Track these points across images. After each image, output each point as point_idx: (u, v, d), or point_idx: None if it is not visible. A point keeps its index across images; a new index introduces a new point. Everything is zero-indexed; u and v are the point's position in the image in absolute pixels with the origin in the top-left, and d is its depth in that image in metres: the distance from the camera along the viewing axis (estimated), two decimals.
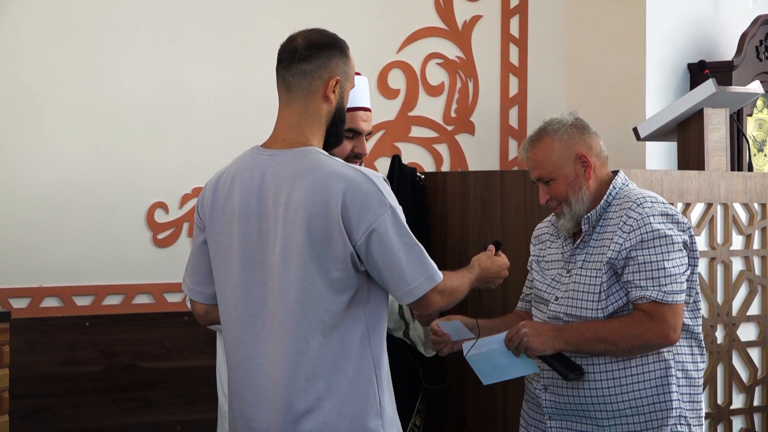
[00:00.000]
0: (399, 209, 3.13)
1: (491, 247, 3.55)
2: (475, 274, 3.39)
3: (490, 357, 3.64)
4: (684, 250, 3.62)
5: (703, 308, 4.68)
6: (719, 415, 4.72)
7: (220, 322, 3.30)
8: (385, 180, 3.15)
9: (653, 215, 3.59)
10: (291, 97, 3.23)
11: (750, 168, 5.41)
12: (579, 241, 3.72)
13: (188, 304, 3.56)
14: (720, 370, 4.75)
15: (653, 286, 3.53)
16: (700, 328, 3.72)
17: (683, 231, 3.62)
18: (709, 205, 4.69)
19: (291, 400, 3.11)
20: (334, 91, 3.22)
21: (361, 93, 3.78)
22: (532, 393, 3.80)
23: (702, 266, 4.69)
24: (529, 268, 3.96)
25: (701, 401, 3.71)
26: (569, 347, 3.58)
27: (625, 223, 3.60)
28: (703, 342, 3.74)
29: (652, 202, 3.63)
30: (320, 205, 3.07)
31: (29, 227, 4.94)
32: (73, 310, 5.05)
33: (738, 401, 4.80)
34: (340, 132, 3.29)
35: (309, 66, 3.21)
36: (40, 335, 4.94)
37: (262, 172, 3.18)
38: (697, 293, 3.70)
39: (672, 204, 3.83)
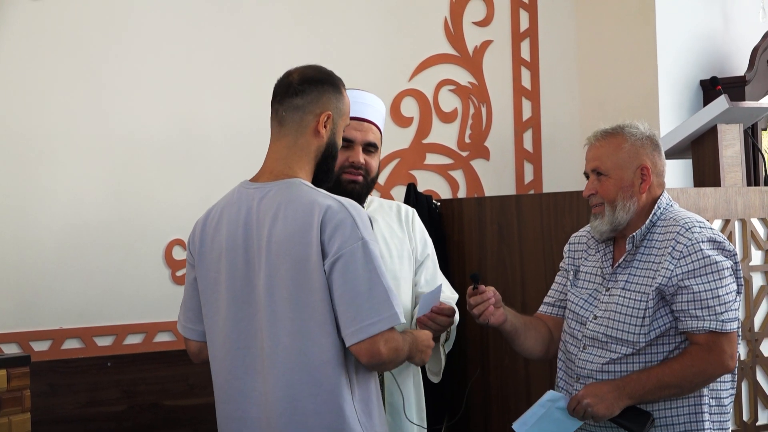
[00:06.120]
0: (373, 244, 3.10)
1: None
2: (410, 339, 3.28)
3: (541, 424, 3.58)
4: (731, 277, 3.57)
5: None
6: None
7: None
8: (368, 216, 3.13)
9: (703, 241, 3.54)
10: (282, 131, 3.26)
11: (766, 182, 5.40)
12: (621, 260, 3.67)
13: None
14: (744, 387, 4.72)
15: (709, 316, 3.49)
16: (737, 355, 3.66)
17: (729, 257, 3.57)
18: (727, 221, 4.68)
19: None
20: (325, 126, 3.24)
21: (356, 105, 3.75)
22: None
23: None
24: (562, 273, 3.90)
25: (729, 428, 3.67)
26: (634, 401, 3.51)
27: (674, 248, 3.54)
28: (736, 369, 3.67)
29: (700, 227, 3.58)
30: (300, 234, 3.07)
31: (48, 270, 4.93)
32: (94, 351, 5.04)
33: (764, 417, 4.77)
34: (330, 168, 3.29)
35: (301, 100, 3.23)
36: (62, 377, 4.92)
37: (248, 205, 3.19)
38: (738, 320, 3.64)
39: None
